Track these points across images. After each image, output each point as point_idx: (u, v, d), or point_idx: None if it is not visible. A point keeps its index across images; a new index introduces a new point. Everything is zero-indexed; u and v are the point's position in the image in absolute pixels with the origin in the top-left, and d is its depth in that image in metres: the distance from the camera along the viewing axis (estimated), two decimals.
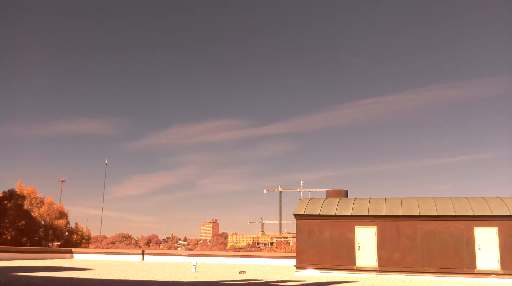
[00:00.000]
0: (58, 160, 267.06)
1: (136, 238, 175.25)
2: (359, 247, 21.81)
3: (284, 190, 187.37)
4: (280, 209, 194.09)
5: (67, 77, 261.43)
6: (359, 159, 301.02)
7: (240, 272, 22.06)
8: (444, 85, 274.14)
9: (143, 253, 38.19)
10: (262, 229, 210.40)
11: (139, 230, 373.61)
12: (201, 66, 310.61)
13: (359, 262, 21.69)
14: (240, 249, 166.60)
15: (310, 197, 24.85)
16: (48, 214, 50.85)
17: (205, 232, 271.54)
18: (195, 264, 23.10)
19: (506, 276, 20.06)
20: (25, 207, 49.10)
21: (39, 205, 51.54)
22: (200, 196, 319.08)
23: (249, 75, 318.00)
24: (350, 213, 22.24)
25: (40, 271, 19.12)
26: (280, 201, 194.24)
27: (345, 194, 24.97)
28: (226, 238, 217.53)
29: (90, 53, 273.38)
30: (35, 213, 49.73)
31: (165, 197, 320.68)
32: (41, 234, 48.32)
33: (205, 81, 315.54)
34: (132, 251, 40.69)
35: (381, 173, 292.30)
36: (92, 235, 67.84)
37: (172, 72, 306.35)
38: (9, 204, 45.35)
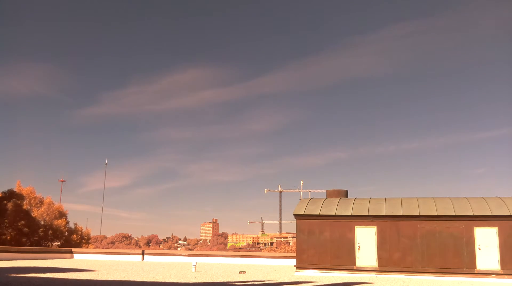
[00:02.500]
0: (56, 159, 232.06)
1: (136, 238, 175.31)
2: (359, 247, 21.80)
3: (284, 190, 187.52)
4: (280, 209, 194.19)
5: None
6: (379, 135, 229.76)
7: (240, 272, 22.05)
8: None
9: (143, 253, 38.16)
10: (262, 229, 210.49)
11: (139, 230, 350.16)
12: None
13: (359, 262, 21.68)
14: (240, 249, 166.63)
15: (310, 197, 24.85)
16: (48, 214, 50.83)
17: (205, 232, 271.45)
18: (195, 264, 23.09)
19: (506, 276, 20.05)
20: (24, 207, 49.09)
21: (38, 205, 51.52)
22: (187, 189, 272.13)
23: (229, 5, 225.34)
24: (350, 213, 22.24)
25: (40, 272, 19.11)
26: (280, 201, 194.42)
27: (345, 194, 24.98)
28: (226, 238, 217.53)
29: None
30: (34, 213, 49.71)
31: (149, 190, 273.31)
32: (41, 234, 48.32)
33: (170, 16, 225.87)
34: (132, 251, 40.67)
35: (405, 152, 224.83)
36: (92, 235, 67.81)
37: (124, 5, 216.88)
38: (8, 204, 45.34)
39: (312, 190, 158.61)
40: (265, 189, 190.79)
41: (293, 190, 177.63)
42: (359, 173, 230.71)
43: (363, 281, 17.89)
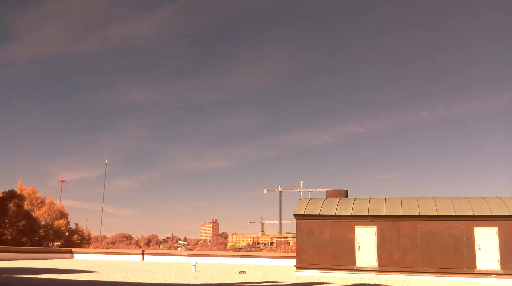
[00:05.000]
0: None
1: (136, 238, 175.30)
2: (359, 247, 21.81)
3: (284, 190, 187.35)
4: (280, 209, 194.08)
5: None
6: (403, 104, 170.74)
7: (240, 272, 22.07)
8: None
9: (143, 253, 38.18)
10: (262, 229, 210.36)
11: (139, 229, 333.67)
12: None
13: (359, 262, 21.69)
14: (240, 249, 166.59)
15: (310, 197, 24.87)
16: (49, 214, 50.87)
17: (205, 232, 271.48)
18: (195, 264, 23.10)
19: (506, 276, 20.06)
20: (26, 207, 49.14)
21: (39, 205, 51.56)
22: (172, 180, 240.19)
23: None
24: (350, 213, 22.24)
25: (40, 272, 19.11)
26: (280, 201, 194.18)
27: (345, 194, 24.99)
28: (226, 238, 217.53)
29: None
30: (35, 213, 49.75)
31: (127, 182, 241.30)
32: (42, 234, 48.37)
33: None
34: (132, 251, 40.69)
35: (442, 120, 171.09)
36: (92, 235, 67.87)
37: None
38: (9, 204, 45.38)
39: (312, 190, 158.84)
40: (265, 189, 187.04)
41: (293, 190, 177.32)
42: (380, 154, 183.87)
43: (363, 281, 17.90)
